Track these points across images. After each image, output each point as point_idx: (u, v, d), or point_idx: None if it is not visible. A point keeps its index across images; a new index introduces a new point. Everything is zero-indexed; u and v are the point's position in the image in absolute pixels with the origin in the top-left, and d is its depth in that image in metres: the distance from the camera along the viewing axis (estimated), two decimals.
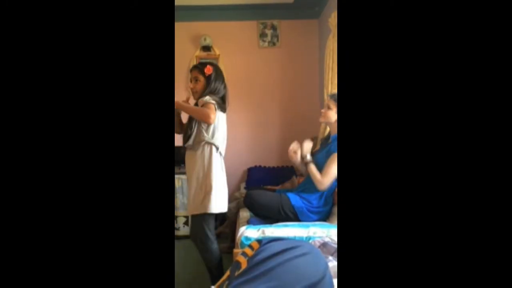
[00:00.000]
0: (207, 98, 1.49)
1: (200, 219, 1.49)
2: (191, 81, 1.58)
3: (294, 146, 1.73)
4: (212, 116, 1.41)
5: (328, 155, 1.64)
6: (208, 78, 1.54)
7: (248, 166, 2.86)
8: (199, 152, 1.50)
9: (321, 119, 1.71)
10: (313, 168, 1.64)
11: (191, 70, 1.59)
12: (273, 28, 2.88)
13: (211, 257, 1.52)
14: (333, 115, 1.67)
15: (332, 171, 1.60)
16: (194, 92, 1.56)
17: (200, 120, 1.46)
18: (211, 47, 2.81)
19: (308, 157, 1.68)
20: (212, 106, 1.45)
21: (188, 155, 1.55)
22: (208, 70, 1.53)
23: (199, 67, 1.56)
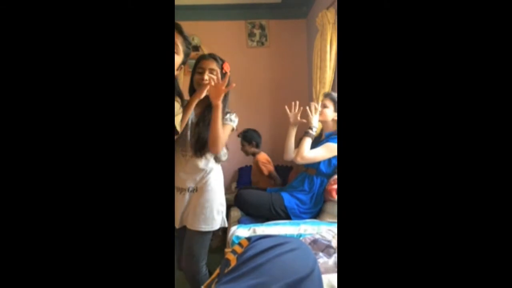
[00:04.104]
0: (234, 117, 1.26)
1: (208, 235, 1.26)
2: (200, 73, 1.21)
3: (314, 106, 1.66)
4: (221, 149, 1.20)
5: None
6: (225, 76, 1.22)
7: (239, 166, 2.86)
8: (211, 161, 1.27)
9: (319, 118, 1.70)
10: (307, 140, 1.63)
11: (201, 60, 1.24)
12: (262, 27, 2.89)
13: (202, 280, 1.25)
14: (330, 113, 1.70)
15: (320, 153, 1.63)
16: (203, 85, 1.17)
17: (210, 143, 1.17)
18: (200, 46, 2.80)
19: (314, 130, 1.65)
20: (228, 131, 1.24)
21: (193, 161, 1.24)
22: (227, 67, 1.25)
23: (214, 57, 1.25)
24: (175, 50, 1.02)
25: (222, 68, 1.24)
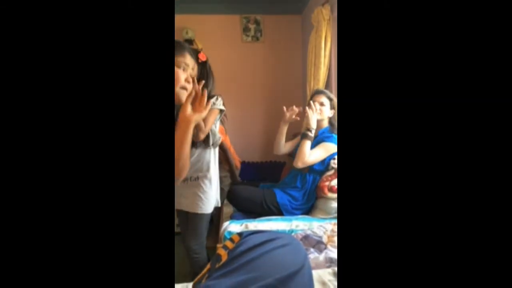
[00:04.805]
0: (214, 100, 1.21)
1: (208, 217, 1.40)
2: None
3: (312, 108, 1.62)
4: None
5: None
6: (203, 65, 1.23)
7: None
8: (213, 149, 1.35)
9: (319, 117, 1.70)
10: (307, 144, 1.61)
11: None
12: (257, 22, 2.87)
13: (204, 257, 1.44)
14: (327, 111, 1.70)
15: (319, 154, 1.62)
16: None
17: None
18: (193, 40, 2.77)
19: (313, 132, 1.62)
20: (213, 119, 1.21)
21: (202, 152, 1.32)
22: (203, 56, 1.24)
23: (189, 51, 1.25)
24: (183, 67, 0.94)
25: (198, 59, 1.19)
